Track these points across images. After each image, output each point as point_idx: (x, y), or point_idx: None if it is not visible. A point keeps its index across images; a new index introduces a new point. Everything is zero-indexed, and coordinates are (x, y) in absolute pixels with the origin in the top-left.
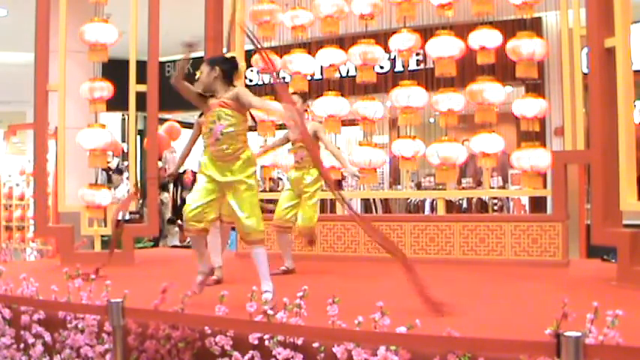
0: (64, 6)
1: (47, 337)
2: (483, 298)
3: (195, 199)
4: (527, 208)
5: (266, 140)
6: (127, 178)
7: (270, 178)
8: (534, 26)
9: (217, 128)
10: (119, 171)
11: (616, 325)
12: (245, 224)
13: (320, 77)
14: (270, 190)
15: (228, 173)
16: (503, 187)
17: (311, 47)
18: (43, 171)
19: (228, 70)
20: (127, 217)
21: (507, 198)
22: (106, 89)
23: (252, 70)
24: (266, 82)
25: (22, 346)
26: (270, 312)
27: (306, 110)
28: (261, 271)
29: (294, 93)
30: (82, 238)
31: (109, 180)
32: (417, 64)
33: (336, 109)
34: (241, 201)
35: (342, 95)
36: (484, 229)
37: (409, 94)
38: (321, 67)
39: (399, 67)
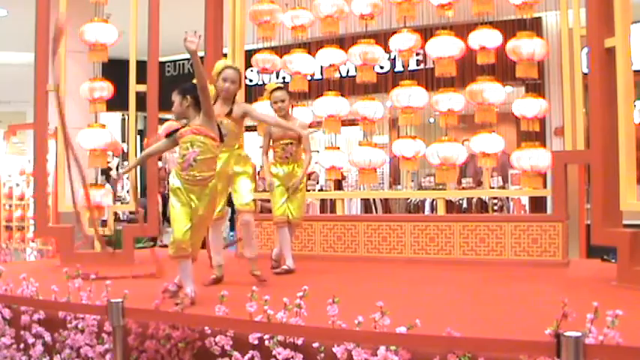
0: (64, 6)
1: (47, 337)
2: (483, 298)
3: (185, 221)
4: (527, 208)
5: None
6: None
7: None
8: (534, 26)
9: (190, 155)
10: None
11: (616, 325)
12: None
13: (320, 77)
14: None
15: (194, 199)
16: (503, 187)
17: (311, 47)
18: (43, 171)
19: (198, 97)
20: (126, 217)
21: (507, 198)
22: (106, 89)
23: (252, 70)
24: (266, 82)
25: (22, 346)
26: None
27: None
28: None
29: (280, 88)
30: (82, 238)
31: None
32: (417, 64)
33: (336, 109)
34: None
35: (342, 95)
36: (484, 229)
37: (409, 94)
38: (321, 67)
39: (399, 67)
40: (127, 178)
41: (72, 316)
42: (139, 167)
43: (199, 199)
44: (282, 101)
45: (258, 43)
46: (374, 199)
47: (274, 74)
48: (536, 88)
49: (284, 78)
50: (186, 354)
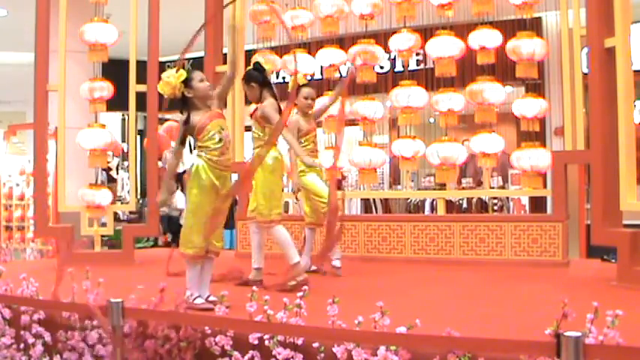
0: (64, 6)
1: (47, 337)
2: (483, 298)
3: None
4: (527, 208)
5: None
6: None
7: None
8: (534, 26)
9: (227, 136)
10: None
11: (616, 325)
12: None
13: (320, 77)
14: None
15: (227, 184)
16: (503, 187)
17: (311, 47)
18: (43, 171)
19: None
20: (127, 217)
21: (507, 198)
22: (106, 89)
23: None
24: None
25: (22, 346)
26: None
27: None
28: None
29: (306, 84)
30: (82, 238)
31: (110, 180)
32: (417, 64)
33: (336, 108)
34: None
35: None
36: (484, 229)
37: (409, 94)
38: (321, 67)
39: (399, 67)
40: (128, 178)
41: (75, 318)
42: (139, 167)
43: (227, 187)
44: (313, 99)
45: (258, 43)
46: (374, 199)
47: (274, 74)
48: (536, 88)
49: (284, 78)
50: (187, 354)
